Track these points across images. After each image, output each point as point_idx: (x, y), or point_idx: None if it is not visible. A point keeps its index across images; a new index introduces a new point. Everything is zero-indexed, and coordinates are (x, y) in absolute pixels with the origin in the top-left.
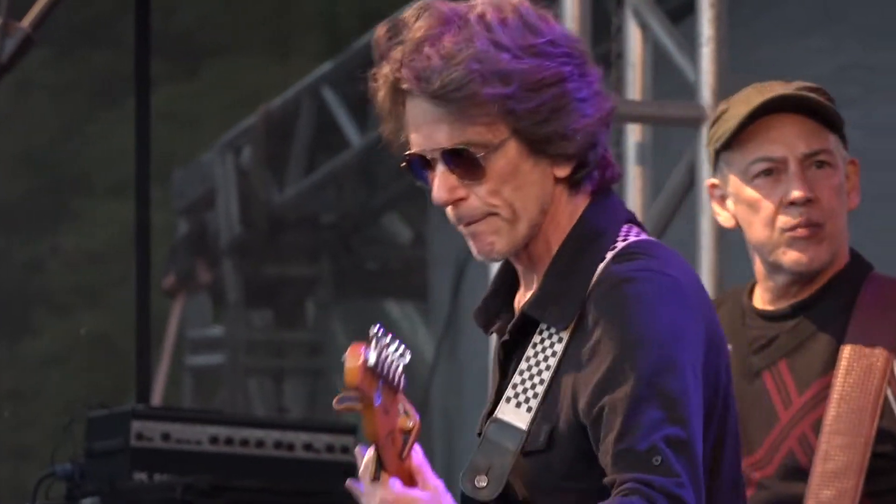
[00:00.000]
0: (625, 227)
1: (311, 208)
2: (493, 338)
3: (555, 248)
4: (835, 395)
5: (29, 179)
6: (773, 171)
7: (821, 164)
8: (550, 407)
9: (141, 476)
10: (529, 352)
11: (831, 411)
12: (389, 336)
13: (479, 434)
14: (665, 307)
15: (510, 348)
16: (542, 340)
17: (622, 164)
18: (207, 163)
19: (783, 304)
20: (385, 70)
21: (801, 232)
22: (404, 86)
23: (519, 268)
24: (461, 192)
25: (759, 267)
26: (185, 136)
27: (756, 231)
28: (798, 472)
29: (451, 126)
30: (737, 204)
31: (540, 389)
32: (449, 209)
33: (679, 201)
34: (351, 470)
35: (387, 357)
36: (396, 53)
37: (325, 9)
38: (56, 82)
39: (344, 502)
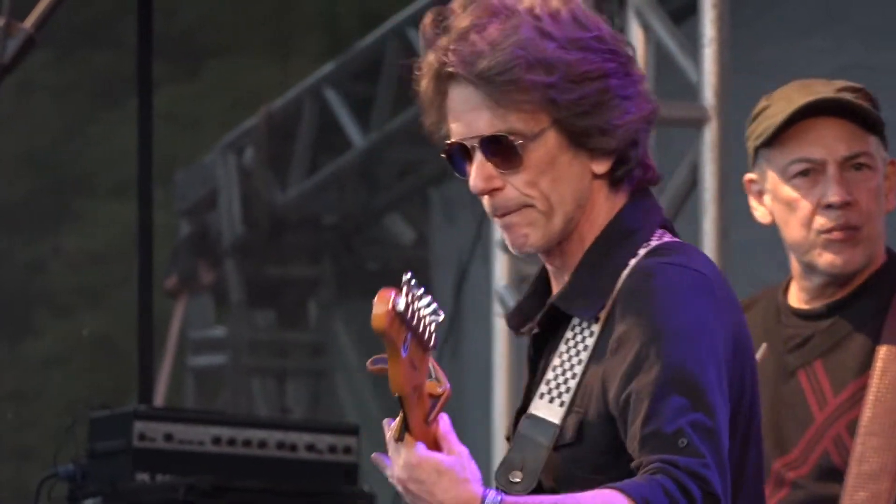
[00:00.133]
0: (659, 231)
1: (313, 209)
2: (501, 339)
3: (588, 246)
4: (870, 396)
5: (31, 180)
6: (811, 173)
7: (859, 167)
8: (578, 399)
9: (143, 477)
10: (562, 347)
11: (867, 413)
12: (422, 289)
13: (508, 438)
14: (693, 300)
15: (541, 345)
16: (574, 336)
17: None
18: (209, 164)
19: (819, 304)
20: (430, 58)
21: (836, 235)
22: (449, 69)
23: (551, 269)
24: (497, 182)
25: (794, 265)
26: (187, 137)
27: (792, 231)
28: (833, 473)
29: (492, 112)
30: (774, 201)
31: (572, 384)
32: (485, 199)
33: (681, 202)
34: (353, 471)
35: (418, 309)
36: (442, 41)
37: (326, 9)
38: (58, 83)
39: (346, 503)
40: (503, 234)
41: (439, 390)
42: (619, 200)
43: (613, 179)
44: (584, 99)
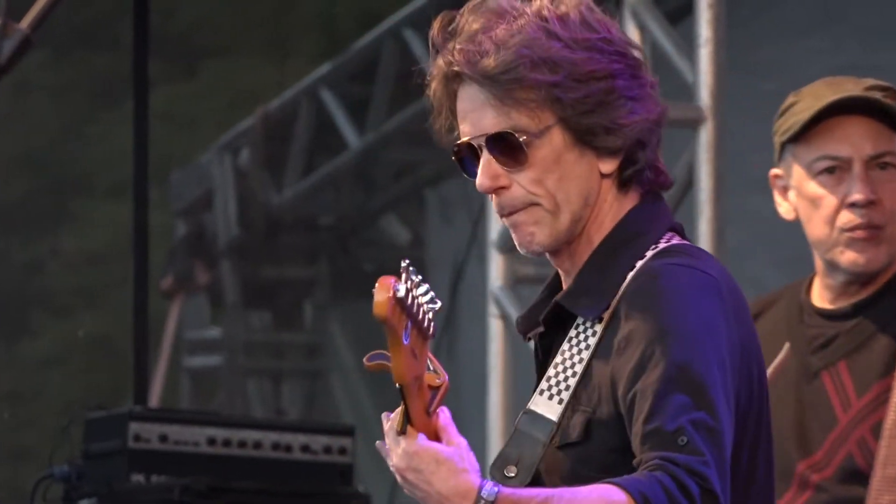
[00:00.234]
0: (668, 234)
1: (309, 210)
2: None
3: (595, 246)
4: (895, 398)
5: (28, 181)
6: (836, 170)
7: (885, 166)
8: (584, 398)
9: (139, 477)
10: (565, 346)
11: (891, 415)
12: (420, 276)
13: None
14: (700, 301)
15: (549, 344)
16: (578, 334)
17: None
18: (205, 164)
19: (843, 303)
20: (439, 61)
21: (860, 234)
22: (455, 68)
23: (562, 272)
24: (504, 181)
25: (818, 263)
26: (183, 137)
27: (815, 227)
28: (857, 476)
29: (496, 110)
30: (799, 197)
31: (572, 382)
32: (493, 198)
33: (677, 203)
34: (348, 471)
35: (417, 296)
36: (451, 44)
37: (324, 10)
38: (55, 83)
39: None
40: (512, 233)
41: (438, 381)
42: (629, 202)
43: (622, 180)
44: (589, 97)
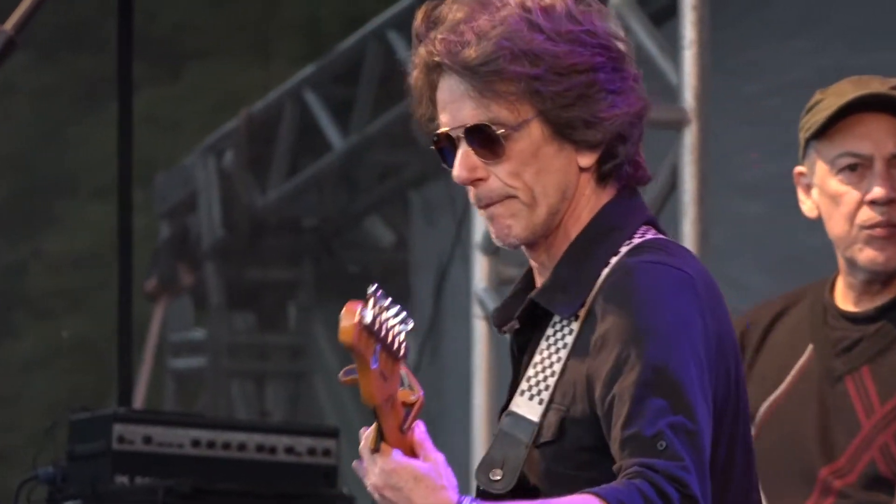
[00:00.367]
0: (643, 228)
1: (293, 212)
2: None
3: (571, 241)
4: None
5: (12, 182)
6: (857, 167)
7: None
8: (561, 397)
9: (123, 479)
10: (542, 344)
11: None
12: (389, 299)
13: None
14: (673, 299)
15: (525, 341)
16: (555, 333)
17: None
18: (189, 166)
19: (866, 305)
20: (421, 51)
21: (879, 231)
22: (436, 58)
23: (536, 265)
24: (481, 173)
25: (840, 262)
26: (167, 139)
27: (835, 225)
28: (880, 483)
29: (475, 102)
30: (821, 194)
31: (551, 381)
32: (470, 190)
33: (661, 204)
34: (333, 473)
35: (385, 320)
36: (433, 34)
37: (307, 12)
38: (39, 85)
39: None
40: (488, 225)
41: (412, 398)
42: (606, 196)
43: (601, 174)
44: (569, 91)
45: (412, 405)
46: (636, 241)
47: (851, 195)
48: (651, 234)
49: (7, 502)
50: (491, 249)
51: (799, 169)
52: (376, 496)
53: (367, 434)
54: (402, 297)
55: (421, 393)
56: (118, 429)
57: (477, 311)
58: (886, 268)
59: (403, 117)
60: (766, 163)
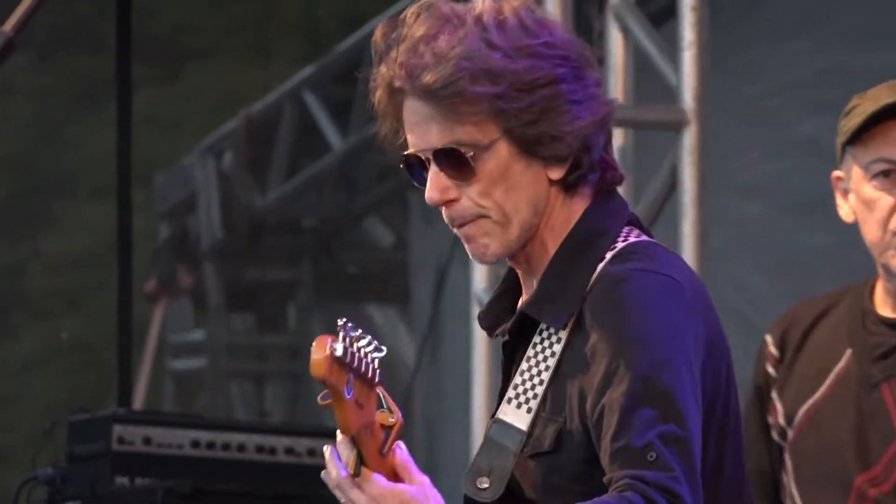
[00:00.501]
0: (626, 229)
1: (293, 212)
2: (480, 342)
3: (552, 250)
4: None
5: (10, 183)
6: (891, 173)
7: None
8: (553, 407)
9: (122, 480)
10: (530, 352)
11: None
12: (359, 330)
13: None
14: (661, 306)
15: (512, 350)
16: (542, 341)
17: None
18: (189, 167)
19: None
20: (383, 70)
21: None
22: (397, 84)
23: (519, 272)
24: (453, 193)
25: (878, 268)
26: (166, 139)
27: (869, 230)
28: None
29: (441, 125)
30: (856, 200)
31: (539, 390)
32: (443, 210)
33: (660, 205)
34: None
35: (357, 350)
36: (394, 53)
37: (307, 13)
38: (38, 86)
39: None
40: (465, 244)
41: (391, 420)
42: (579, 204)
43: (567, 184)
44: (533, 107)
45: (391, 427)
46: (620, 245)
47: (885, 201)
48: (634, 237)
49: (6, 503)
50: None
51: (836, 173)
52: None
53: (345, 458)
54: (401, 298)
55: (399, 415)
56: (118, 430)
57: (476, 312)
58: None
59: None
60: (766, 163)
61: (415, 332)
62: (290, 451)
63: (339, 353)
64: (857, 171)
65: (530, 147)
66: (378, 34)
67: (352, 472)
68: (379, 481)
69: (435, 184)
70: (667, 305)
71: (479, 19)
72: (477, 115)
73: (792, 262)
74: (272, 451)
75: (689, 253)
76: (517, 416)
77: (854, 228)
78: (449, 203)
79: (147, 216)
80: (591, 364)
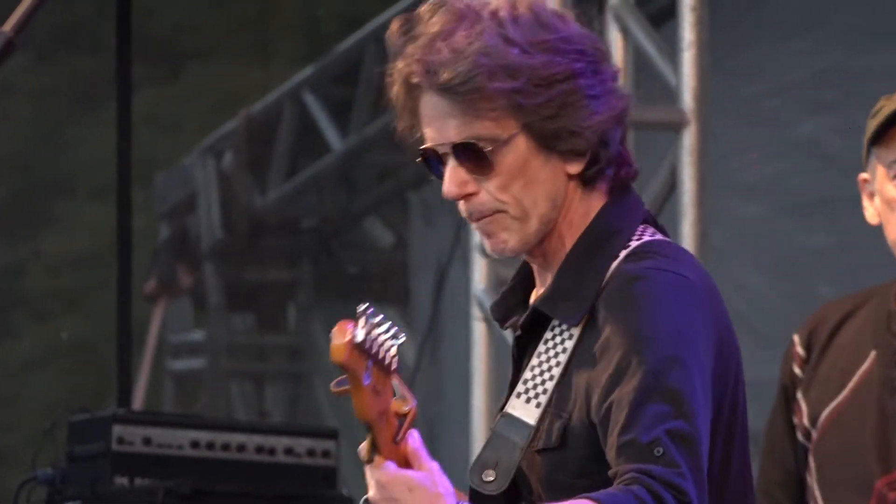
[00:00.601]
0: (640, 227)
1: (293, 212)
2: (481, 342)
3: (569, 246)
4: None
5: (10, 183)
6: None
7: None
8: (561, 404)
9: (122, 481)
10: (541, 347)
11: None
12: (380, 316)
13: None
14: (674, 305)
15: (524, 344)
16: (554, 337)
17: None
18: (189, 167)
19: None
20: (399, 65)
21: None
22: (415, 80)
23: (534, 265)
24: (471, 188)
25: None
26: (166, 140)
27: (892, 230)
28: None
29: (459, 120)
30: (880, 200)
31: (549, 385)
32: (461, 204)
33: (660, 205)
34: (332, 474)
35: (377, 336)
36: (410, 49)
37: (307, 13)
38: (37, 86)
39: None
40: (482, 238)
41: (405, 408)
42: (597, 199)
43: (585, 179)
44: (551, 102)
45: (405, 415)
46: (634, 244)
47: None
48: (648, 235)
49: (6, 503)
50: None
51: (863, 176)
52: None
53: (361, 448)
54: (401, 298)
55: (414, 403)
56: (117, 430)
57: (476, 312)
58: None
59: None
60: (765, 164)
61: (415, 332)
62: (290, 451)
63: (359, 339)
64: (881, 171)
65: (549, 142)
66: (393, 29)
67: (365, 458)
68: (388, 468)
69: (453, 178)
70: (680, 304)
71: (494, 15)
72: (495, 110)
73: (791, 263)
74: (272, 451)
75: None
76: (526, 411)
77: (854, 229)
78: (467, 197)
79: (147, 216)
80: (601, 360)
